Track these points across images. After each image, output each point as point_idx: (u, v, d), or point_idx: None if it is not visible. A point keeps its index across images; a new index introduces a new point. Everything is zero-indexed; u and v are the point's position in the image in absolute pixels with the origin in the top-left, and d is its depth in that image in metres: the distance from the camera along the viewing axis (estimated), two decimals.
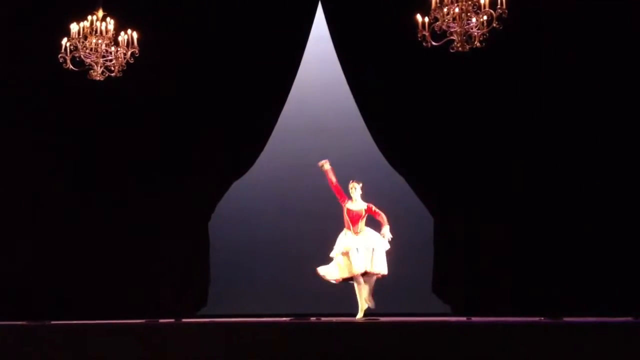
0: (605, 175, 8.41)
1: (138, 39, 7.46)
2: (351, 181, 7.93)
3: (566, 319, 6.92)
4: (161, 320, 7.67)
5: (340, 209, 7.98)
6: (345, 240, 7.81)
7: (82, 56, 7.33)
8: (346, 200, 7.91)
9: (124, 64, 7.46)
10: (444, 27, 6.36)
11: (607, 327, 6.20)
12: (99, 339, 6.89)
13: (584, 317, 7.29)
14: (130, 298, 9.00)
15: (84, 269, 9.16)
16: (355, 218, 7.85)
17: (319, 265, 7.97)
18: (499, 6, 6.27)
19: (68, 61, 7.34)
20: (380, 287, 8.00)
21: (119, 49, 7.41)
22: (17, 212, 9.34)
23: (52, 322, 7.48)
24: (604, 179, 8.41)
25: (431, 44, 6.49)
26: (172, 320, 7.94)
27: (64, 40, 7.34)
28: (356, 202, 7.89)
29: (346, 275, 7.76)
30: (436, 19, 6.37)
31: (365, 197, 8.01)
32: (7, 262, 9.14)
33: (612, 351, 5.81)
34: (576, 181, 8.53)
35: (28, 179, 9.38)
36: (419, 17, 6.50)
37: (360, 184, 7.93)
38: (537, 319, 7.01)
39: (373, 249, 7.67)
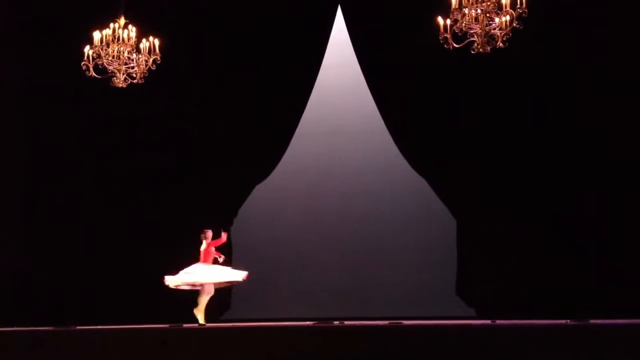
0: (635, 176, 8.29)
1: (160, 46, 7.53)
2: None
3: (593, 321, 6.84)
4: (185, 325, 7.71)
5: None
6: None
7: (104, 64, 7.40)
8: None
9: (145, 71, 7.52)
10: (464, 28, 6.32)
11: (635, 329, 6.12)
12: (123, 343, 6.95)
13: (611, 319, 7.19)
14: (154, 303, 9.05)
15: (108, 274, 9.25)
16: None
17: (340, 269, 7.97)
18: (518, 6, 6.22)
19: (91, 69, 7.41)
20: (403, 290, 7.97)
21: (140, 56, 7.47)
22: (39, 222, 9.49)
23: (78, 327, 7.56)
24: (634, 180, 8.29)
25: (453, 46, 6.46)
26: (196, 324, 7.98)
27: (87, 48, 7.43)
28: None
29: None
30: (456, 21, 6.34)
31: (384, 199, 8.00)
32: (30, 270, 9.27)
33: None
34: (604, 182, 8.40)
35: (48, 186, 9.53)
36: (440, 19, 6.47)
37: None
38: (563, 321, 6.92)
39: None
